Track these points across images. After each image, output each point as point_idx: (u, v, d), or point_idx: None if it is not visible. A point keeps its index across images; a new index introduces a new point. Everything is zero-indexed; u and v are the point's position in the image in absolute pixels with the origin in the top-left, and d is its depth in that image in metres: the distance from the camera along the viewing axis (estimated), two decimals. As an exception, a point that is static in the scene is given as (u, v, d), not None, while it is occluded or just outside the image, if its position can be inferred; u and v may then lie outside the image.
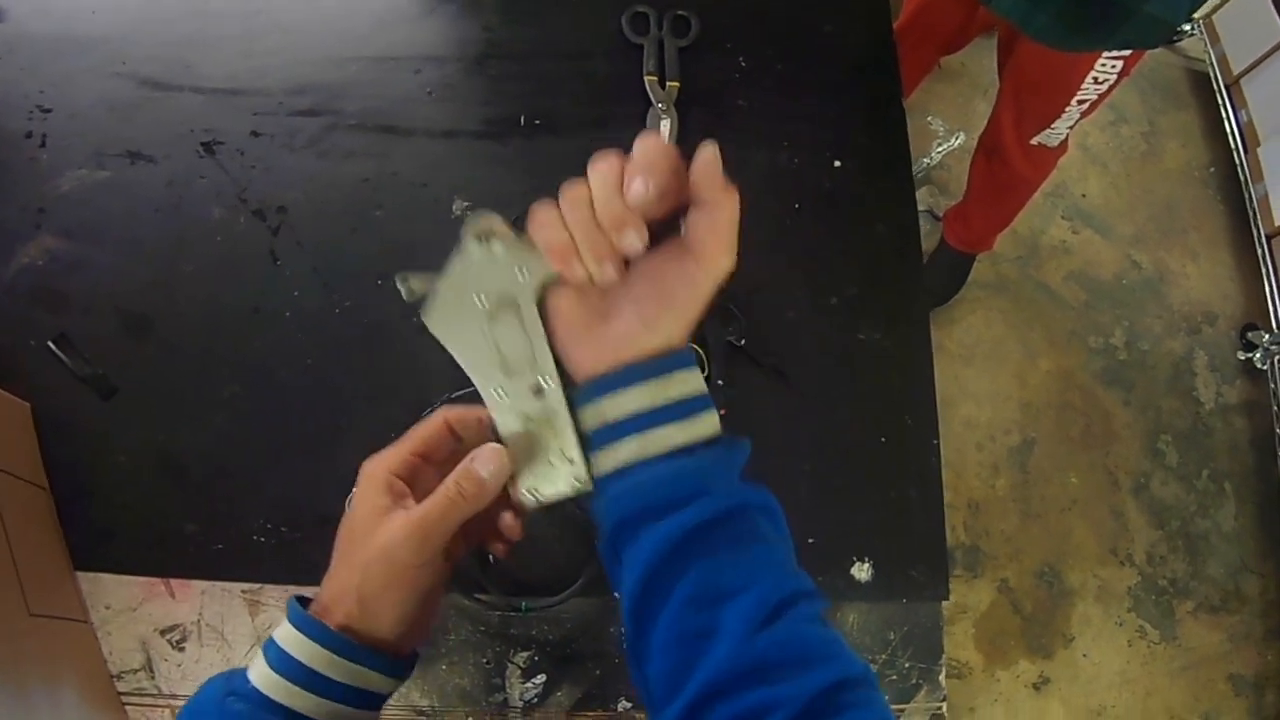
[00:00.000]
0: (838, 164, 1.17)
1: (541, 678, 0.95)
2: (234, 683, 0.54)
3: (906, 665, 1.00)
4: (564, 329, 0.56)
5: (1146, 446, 2.34)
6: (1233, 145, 2.59)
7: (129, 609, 0.92)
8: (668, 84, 1.20)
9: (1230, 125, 2.61)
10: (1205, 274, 2.56)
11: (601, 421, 0.54)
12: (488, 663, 0.95)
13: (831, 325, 1.10)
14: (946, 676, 1.01)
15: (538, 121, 1.17)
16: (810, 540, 0.99)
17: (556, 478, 0.57)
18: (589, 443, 0.56)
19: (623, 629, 0.55)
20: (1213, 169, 2.71)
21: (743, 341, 1.04)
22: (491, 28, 1.25)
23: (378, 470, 0.58)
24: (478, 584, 0.93)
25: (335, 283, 1.04)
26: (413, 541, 0.54)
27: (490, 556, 0.95)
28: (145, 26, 1.19)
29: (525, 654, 0.96)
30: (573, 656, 0.96)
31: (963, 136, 2.56)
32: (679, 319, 0.54)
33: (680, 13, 1.27)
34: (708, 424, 0.54)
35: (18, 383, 0.94)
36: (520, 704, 0.94)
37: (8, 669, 0.76)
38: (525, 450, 0.57)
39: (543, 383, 0.57)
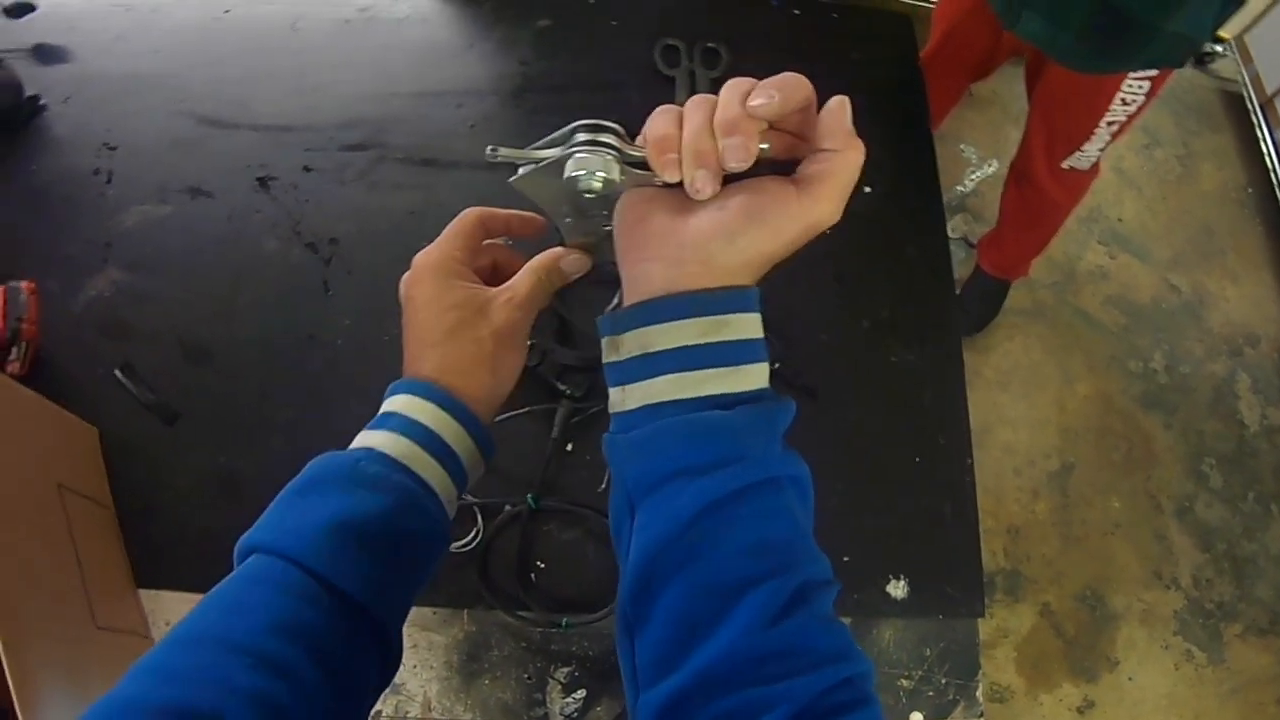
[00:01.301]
0: (867, 189, 1.20)
1: (582, 693, 0.97)
2: (357, 452, 0.57)
3: (943, 681, 1.01)
4: (638, 216, 0.53)
5: (1189, 469, 2.31)
6: (1269, 165, 2.58)
7: (189, 624, 0.95)
8: (701, 115, 1.23)
9: (1266, 145, 2.59)
10: (1246, 296, 2.54)
11: (642, 349, 0.50)
12: (529, 678, 0.97)
13: (864, 347, 1.11)
14: (988, 700, 1.01)
15: (575, 154, 1.20)
16: (845, 558, 1.00)
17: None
18: (624, 372, 0.51)
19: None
20: (1250, 189, 2.69)
21: (777, 364, 1.06)
22: (527, 62, 1.29)
23: (445, 262, 0.63)
24: (520, 601, 0.95)
25: (385, 311, 1.07)
26: (529, 314, 0.63)
27: (532, 575, 0.97)
28: (202, 65, 1.25)
29: (566, 669, 0.97)
30: (612, 672, 0.97)
31: (996, 164, 2.57)
32: (762, 240, 0.49)
33: (710, 44, 1.30)
34: (755, 377, 0.50)
35: (86, 408, 0.98)
36: (561, 718, 0.96)
37: (76, 676, 0.79)
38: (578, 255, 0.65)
39: (608, 227, 0.57)
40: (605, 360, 0.53)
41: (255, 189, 1.15)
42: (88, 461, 0.96)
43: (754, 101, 0.48)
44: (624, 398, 0.52)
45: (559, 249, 0.65)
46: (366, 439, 0.58)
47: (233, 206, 1.13)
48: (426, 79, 1.26)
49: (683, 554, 0.47)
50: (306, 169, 1.16)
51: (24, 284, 1.01)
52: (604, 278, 0.62)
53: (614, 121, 0.54)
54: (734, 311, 0.49)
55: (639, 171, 0.52)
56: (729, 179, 0.50)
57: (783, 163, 0.51)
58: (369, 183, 1.16)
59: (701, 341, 0.49)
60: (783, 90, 0.48)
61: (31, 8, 1.25)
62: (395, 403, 0.59)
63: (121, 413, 1.01)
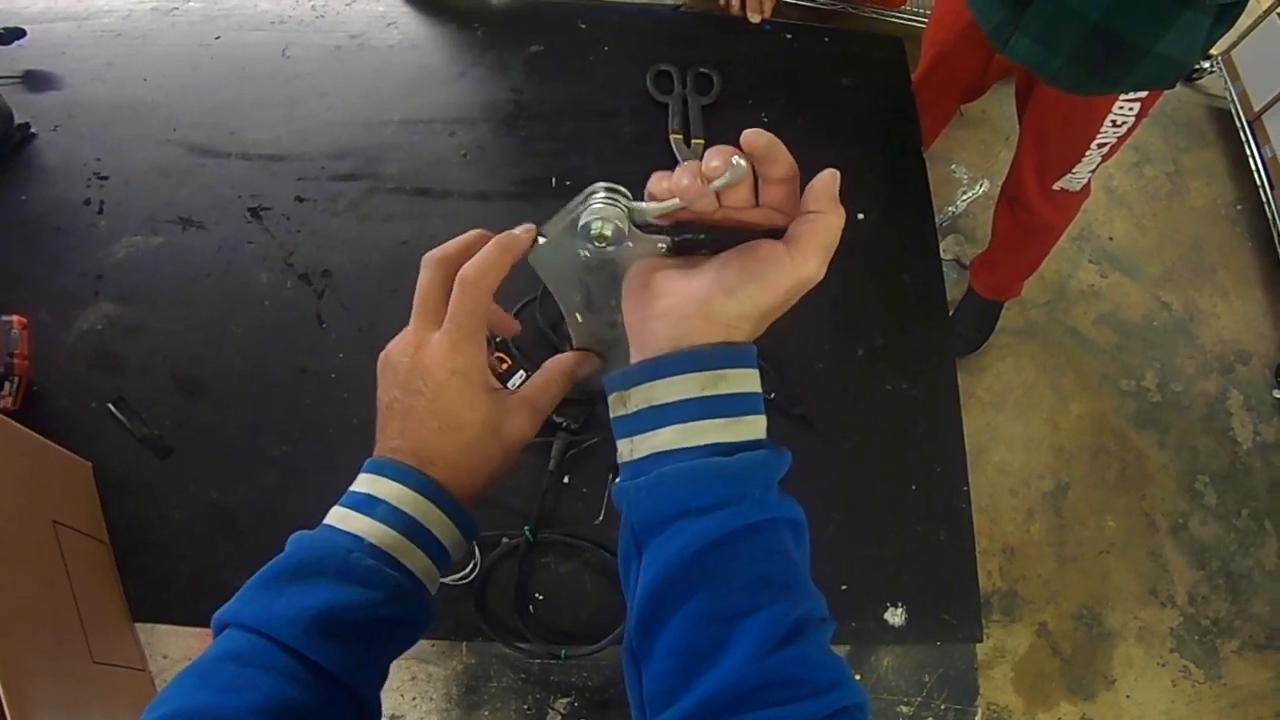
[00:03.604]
0: (860, 216, 1.20)
1: (582, 723, 0.97)
2: (346, 540, 0.56)
3: (942, 707, 1.01)
4: (644, 282, 0.57)
5: (1184, 487, 2.32)
6: (1258, 182, 2.59)
7: (184, 659, 0.95)
8: (692, 141, 1.23)
9: (1254, 162, 2.61)
10: (1236, 312, 2.55)
11: (649, 403, 0.53)
12: (529, 709, 0.96)
13: (859, 375, 1.11)
14: (986, 721, 1.01)
15: (568, 182, 1.20)
16: (843, 586, 1.00)
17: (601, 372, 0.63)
18: (632, 424, 0.55)
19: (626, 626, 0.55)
20: (1239, 206, 2.71)
21: (772, 394, 1.06)
22: (519, 89, 1.29)
23: (474, 374, 0.60)
24: (518, 633, 0.95)
25: (379, 344, 1.05)
26: (541, 422, 0.65)
27: (530, 606, 0.97)
28: (192, 92, 1.25)
29: (565, 700, 0.97)
30: (612, 702, 0.97)
31: (987, 184, 2.59)
32: (758, 294, 0.53)
33: (703, 70, 1.31)
34: (753, 427, 0.53)
35: (80, 443, 0.97)
36: (561, 750, 0.96)
37: (74, 712, 0.79)
38: (589, 358, 0.66)
39: (618, 319, 0.60)
40: (613, 415, 0.56)
41: (247, 219, 1.14)
42: (82, 497, 0.95)
43: (744, 136, 0.52)
44: (632, 448, 0.55)
45: (571, 355, 0.67)
46: (354, 524, 0.57)
47: (224, 237, 1.13)
48: (418, 106, 1.26)
49: (685, 589, 0.50)
50: (299, 199, 1.16)
51: (15, 318, 1.00)
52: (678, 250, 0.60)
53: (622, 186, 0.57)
54: (732, 366, 0.53)
55: (645, 235, 0.57)
56: (726, 245, 0.55)
57: (772, 231, 0.55)
58: (361, 213, 1.16)
59: (702, 394, 0.52)
60: (771, 141, 0.52)
61: (21, 33, 1.25)
62: (383, 489, 0.59)
63: (115, 447, 1.00)
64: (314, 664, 0.52)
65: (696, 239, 0.56)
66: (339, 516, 0.58)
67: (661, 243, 0.57)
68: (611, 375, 0.56)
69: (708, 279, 0.54)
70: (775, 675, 0.47)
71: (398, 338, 0.62)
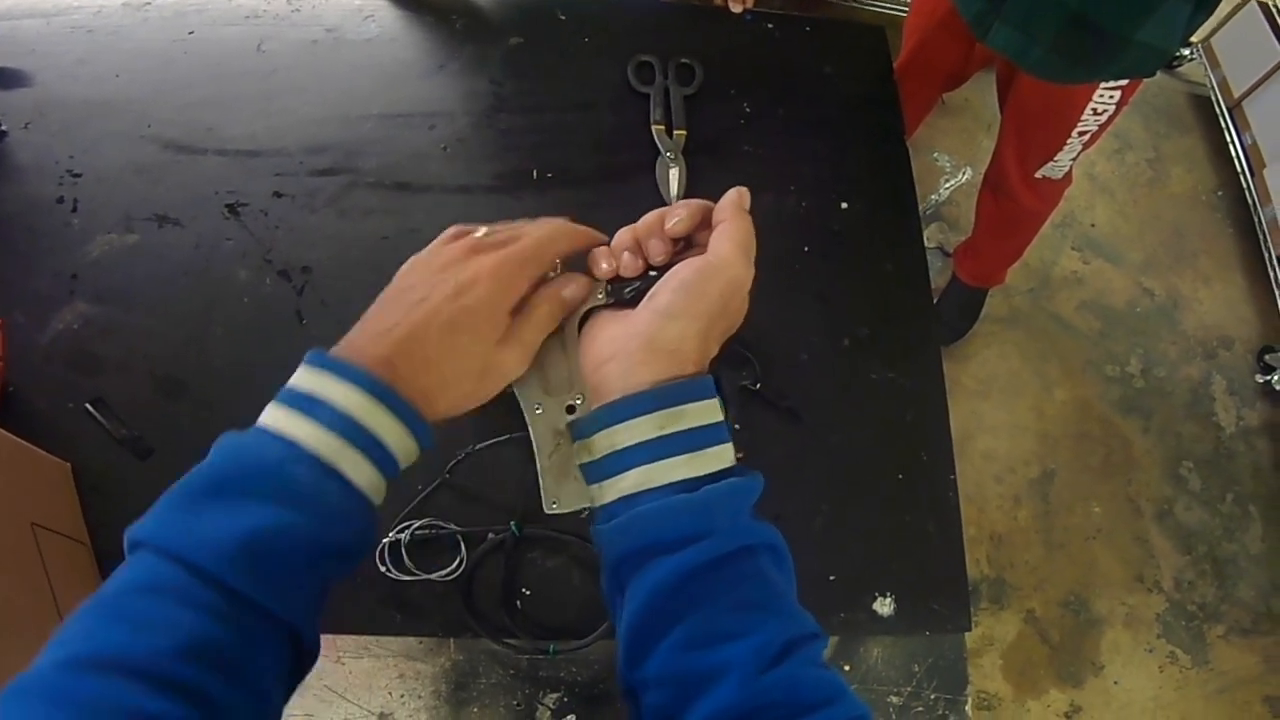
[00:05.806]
0: (844, 205, 1.19)
1: (571, 718, 0.96)
2: (280, 448, 0.51)
3: (932, 697, 1.00)
4: (592, 337, 0.60)
5: (1168, 473, 2.33)
6: (1239, 168, 2.61)
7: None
8: (675, 132, 1.22)
9: (1235, 148, 2.62)
10: (1218, 298, 2.57)
11: (611, 449, 0.54)
12: (518, 705, 0.96)
13: (844, 365, 1.11)
14: (976, 709, 1.01)
15: (549, 175, 1.19)
16: (831, 577, 0.99)
17: (575, 491, 0.62)
18: (600, 470, 0.55)
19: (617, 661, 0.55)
20: (1220, 192, 2.72)
21: (757, 385, 1.06)
22: (499, 81, 1.28)
23: (501, 313, 0.58)
24: (506, 629, 0.94)
25: None
26: (524, 365, 0.60)
27: (517, 602, 0.96)
28: (166, 89, 1.23)
29: (554, 695, 0.96)
30: (601, 697, 0.97)
31: (969, 171, 2.59)
32: (691, 304, 0.55)
33: (684, 60, 1.30)
34: (718, 457, 0.54)
35: (58, 444, 0.95)
36: (551, 746, 0.95)
37: None
38: (554, 464, 0.63)
39: (574, 400, 0.62)
40: (579, 462, 0.57)
41: (224, 216, 1.13)
42: (61, 498, 0.93)
43: (669, 223, 0.60)
44: (602, 492, 0.55)
45: (561, 278, 0.63)
46: (291, 428, 0.51)
47: (201, 234, 1.11)
48: (397, 100, 1.25)
49: (668, 619, 0.50)
50: (276, 194, 1.15)
51: (-11, 319, 0.99)
52: (620, 300, 0.63)
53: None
54: (688, 401, 0.54)
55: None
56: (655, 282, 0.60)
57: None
58: (341, 209, 1.14)
59: (661, 434, 0.53)
60: (688, 208, 0.60)
61: (-12, 31, 1.24)
62: (329, 389, 0.52)
63: (94, 448, 0.98)
64: (241, 595, 0.47)
65: (631, 284, 0.62)
66: (274, 417, 0.52)
67: (600, 291, 0.62)
68: (571, 424, 0.59)
69: (645, 314, 0.56)
70: (769, 697, 0.47)
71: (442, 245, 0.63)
